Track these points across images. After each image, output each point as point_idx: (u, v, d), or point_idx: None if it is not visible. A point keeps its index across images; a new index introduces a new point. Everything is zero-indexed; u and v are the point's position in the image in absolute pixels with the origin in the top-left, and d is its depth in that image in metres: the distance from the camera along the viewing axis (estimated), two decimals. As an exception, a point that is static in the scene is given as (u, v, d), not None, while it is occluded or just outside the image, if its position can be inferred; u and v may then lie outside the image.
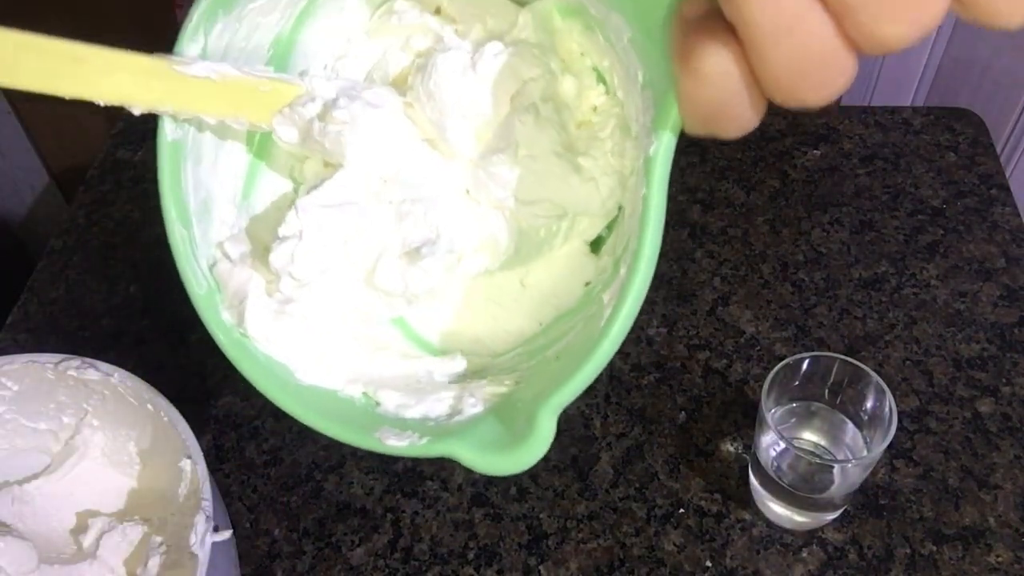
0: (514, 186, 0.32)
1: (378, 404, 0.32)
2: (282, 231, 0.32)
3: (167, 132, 0.31)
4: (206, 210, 0.33)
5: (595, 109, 0.35)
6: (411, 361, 0.34)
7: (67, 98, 0.28)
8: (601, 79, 0.34)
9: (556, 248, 0.35)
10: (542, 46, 0.34)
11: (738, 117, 0.21)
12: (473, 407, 0.30)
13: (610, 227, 0.35)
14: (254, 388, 0.31)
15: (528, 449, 0.26)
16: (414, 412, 0.31)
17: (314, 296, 0.33)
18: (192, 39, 0.31)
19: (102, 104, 0.29)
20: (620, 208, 0.34)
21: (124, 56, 0.29)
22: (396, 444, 0.28)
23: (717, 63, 0.21)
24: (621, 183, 0.34)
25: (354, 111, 0.32)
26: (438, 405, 0.31)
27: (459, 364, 0.33)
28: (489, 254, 0.34)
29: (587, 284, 0.34)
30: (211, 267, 0.33)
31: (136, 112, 0.30)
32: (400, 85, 0.35)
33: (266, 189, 0.36)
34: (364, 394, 0.32)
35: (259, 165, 0.35)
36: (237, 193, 0.35)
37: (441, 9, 0.35)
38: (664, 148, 0.25)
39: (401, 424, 0.30)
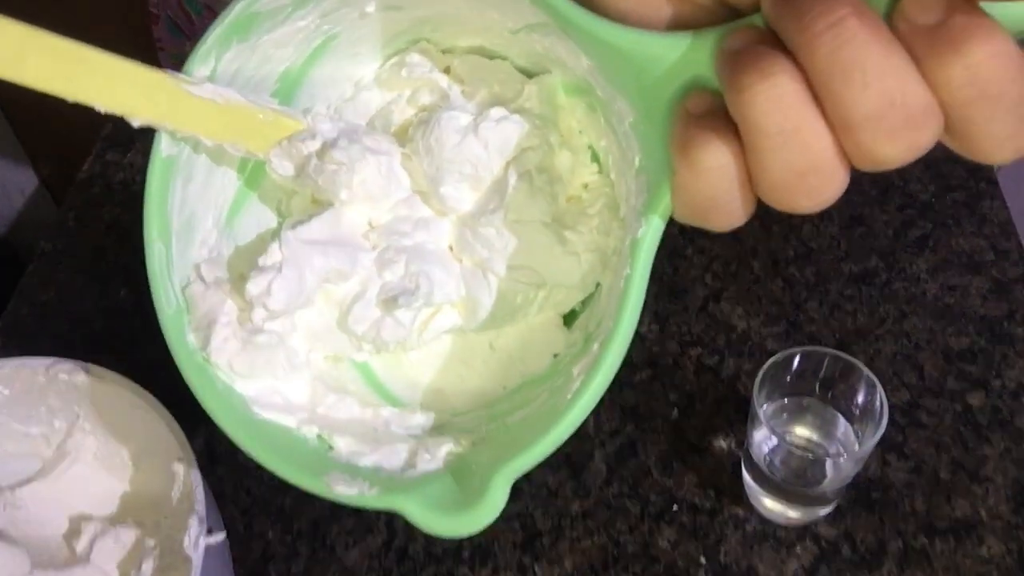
0: (499, 248, 0.33)
1: (331, 448, 0.31)
2: (262, 261, 0.32)
3: (163, 147, 0.31)
4: (188, 229, 0.33)
5: (586, 186, 0.35)
6: (369, 409, 0.33)
7: (68, 100, 0.28)
8: (595, 158, 0.35)
9: (530, 316, 0.35)
10: (544, 118, 0.34)
11: (728, 213, 0.22)
12: (428, 463, 0.30)
13: (584, 303, 0.35)
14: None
15: (477, 514, 0.26)
16: (367, 460, 0.30)
17: (283, 330, 0.32)
18: (203, 61, 0.31)
19: (102, 111, 0.29)
20: (598, 286, 0.34)
21: (132, 66, 0.29)
22: (345, 491, 0.28)
23: (715, 158, 0.21)
24: (603, 261, 0.34)
25: (353, 153, 0.32)
26: (393, 457, 0.30)
27: (419, 419, 0.33)
28: (466, 313, 0.34)
29: (555, 355, 0.35)
30: (184, 287, 0.32)
31: (135, 124, 0.30)
32: (400, 136, 0.35)
33: (251, 218, 0.35)
34: (319, 436, 0.32)
35: (248, 194, 0.35)
36: (222, 217, 0.34)
37: (451, 69, 0.36)
38: (652, 232, 0.26)
39: (352, 471, 0.29)
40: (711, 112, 0.22)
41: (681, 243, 0.64)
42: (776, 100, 0.20)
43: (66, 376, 0.46)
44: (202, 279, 0.33)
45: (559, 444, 0.26)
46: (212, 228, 0.34)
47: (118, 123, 0.83)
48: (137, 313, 0.63)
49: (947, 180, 0.67)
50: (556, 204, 0.34)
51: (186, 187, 0.32)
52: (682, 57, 0.23)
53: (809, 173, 0.20)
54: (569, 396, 0.27)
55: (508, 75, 0.35)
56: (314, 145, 0.32)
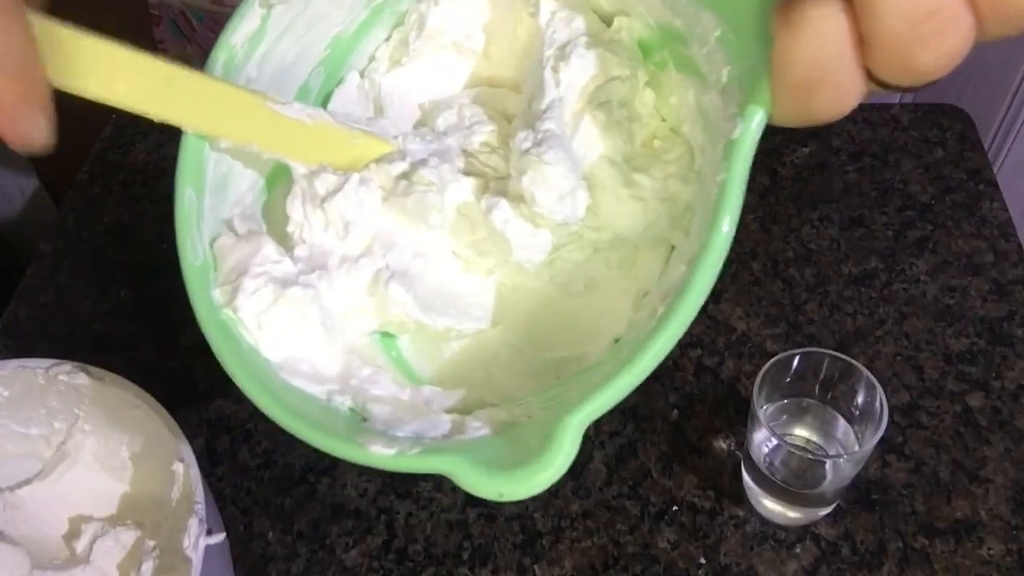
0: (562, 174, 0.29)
1: (365, 420, 0.29)
2: (320, 186, 0.30)
3: None
4: (223, 186, 0.31)
5: (654, 138, 0.33)
6: (408, 388, 0.31)
7: (156, 121, 0.27)
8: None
9: (595, 280, 0.32)
10: (633, 52, 0.32)
11: (837, 87, 0.19)
12: (478, 430, 0.27)
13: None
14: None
15: (544, 465, 0.22)
16: (406, 430, 0.27)
17: (319, 286, 0.30)
18: (252, 6, 0.30)
19: (189, 132, 0.28)
20: (668, 260, 0.31)
21: (220, 85, 0.28)
22: (382, 451, 0.25)
23: (816, 15, 0.19)
24: (672, 216, 0.31)
25: (444, 174, 0.31)
26: (437, 426, 0.27)
27: (463, 396, 0.30)
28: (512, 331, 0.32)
29: (617, 340, 0.31)
30: (212, 241, 0.30)
31: (222, 145, 0.29)
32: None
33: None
34: (351, 409, 0.29)
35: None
36: (260, 181, 0.32)
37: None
38: (751, 131, 0.23)
39: (389, 438, 0.26)
40: None
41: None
42: None
43: (66, 377, 0.46)
44: (234, 231, 0.30)
45: (639, 381, 0.23)
46: (248, 190, 0.32)
47: (118, 124, 0.83)
48: (137, 314, 0.63)
49: (947, 182, 0.67)
50: (631, 145, 0.32)
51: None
52: None
53: (929, 18, 0.18)
54: (653, 323, 0.23)
55: (591, 16, 0.33)
56: (403, 166, 0.31)
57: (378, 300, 0.31)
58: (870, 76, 0.19)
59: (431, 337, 0.33)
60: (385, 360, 0.32)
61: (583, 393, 0.23)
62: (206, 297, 0.29)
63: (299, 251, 0.31)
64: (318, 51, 0.34)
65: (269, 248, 0.30)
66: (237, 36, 0.31)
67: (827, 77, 0.19)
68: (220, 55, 0.30)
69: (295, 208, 0.31)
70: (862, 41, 0.19)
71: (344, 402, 0.29)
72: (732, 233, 0.23)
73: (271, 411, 0.26)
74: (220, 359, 0.27)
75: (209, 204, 0.30)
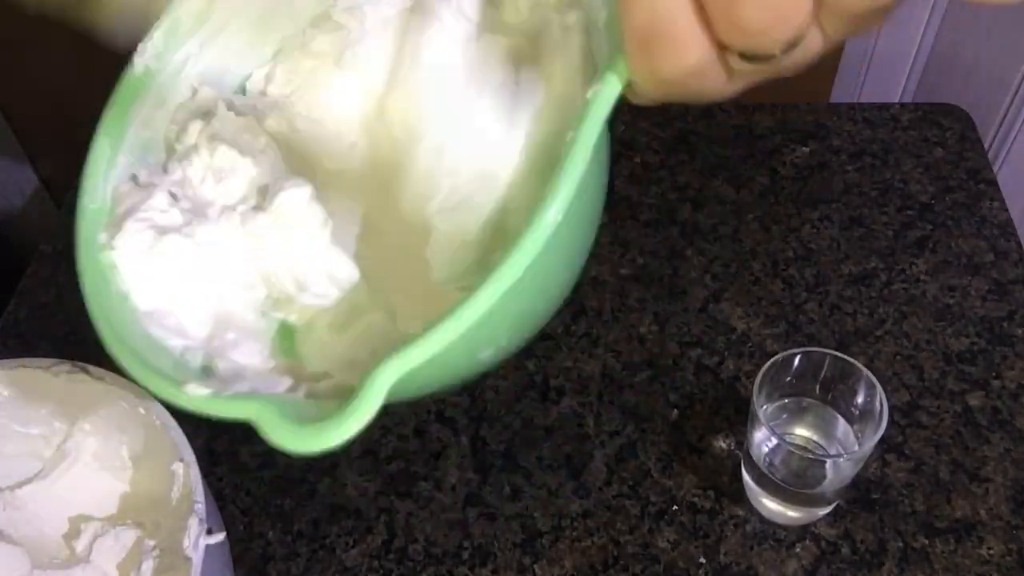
0: None
1: (212, 372, 0.29)
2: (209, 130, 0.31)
3: (137, 64, 0.30)
4: (142, 149, 0.31)
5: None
6: (269, 360, 0.31)
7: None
8: None
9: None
10: None
11: (673, 39, 0.20)
12: (308, 392, 0.27)
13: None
14: None
15: (344, 416, 0.21)
16: (244, 386, 0.27)
17: (200, 238, 0.30)
18: None
19: None
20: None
21: None
22: (196, 391, 0.25)
23: None
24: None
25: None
26: (271, 386, 0.28)
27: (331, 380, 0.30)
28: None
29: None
30: (114, 188, 0.31)
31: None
32: None
33: None
34: (203, 366, 0.29)
35: None
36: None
37: None
38: (604, 92, 0.22)
39: (208, 383, 0.26)
40: None
41: (681, 244, 0.64)
42: None
43: (66, 377, 0.46)
44: (135, 181, 0.31)
45: (457, 333, 0.22)
46: (163, 162, 0.32)
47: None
48: (137, 314, 0.63)
49: (946, 181, 0.67)
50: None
51: (156, 110, 0.31)
52: None
53: None
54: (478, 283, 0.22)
55: None
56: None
57: (262, 273, 0.31)
58: (724, 46, 0.20)
59: (327, 328, 0.32)
60: (266, 335, 0.32)
61: (394, 351, 0.22)
62: (91, 238, 0.30)
63: (183, 204, 0.31)
64: (264, 54, 0.34)
65: (160, 197, 0.31)
66: (185, 7, 0.31)
67: (663, 26, 0.19)
68: (165, 21, 0.31)
69: (179, 165, 0.32)
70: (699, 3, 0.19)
71: (196, 358, 0.29)
72: (559, 219, 0.22)
73: (111, 348, 0.27)
74: (84, 294, 0.28)
75: (125, 160, 0.31)
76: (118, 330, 0.28)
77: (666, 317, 0.60)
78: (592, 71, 0.27)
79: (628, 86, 0.22)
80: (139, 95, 0.31)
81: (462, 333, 0.22)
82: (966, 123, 0.71)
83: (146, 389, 0.26)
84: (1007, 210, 0.65)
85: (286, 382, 0.28)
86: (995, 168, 0.71)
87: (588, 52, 0.28)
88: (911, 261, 0.62)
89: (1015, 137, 1.04)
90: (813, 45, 0.20)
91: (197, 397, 0.25)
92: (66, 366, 0.46)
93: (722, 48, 0.20)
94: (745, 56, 0.20)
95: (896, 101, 0.75)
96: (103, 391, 0.46)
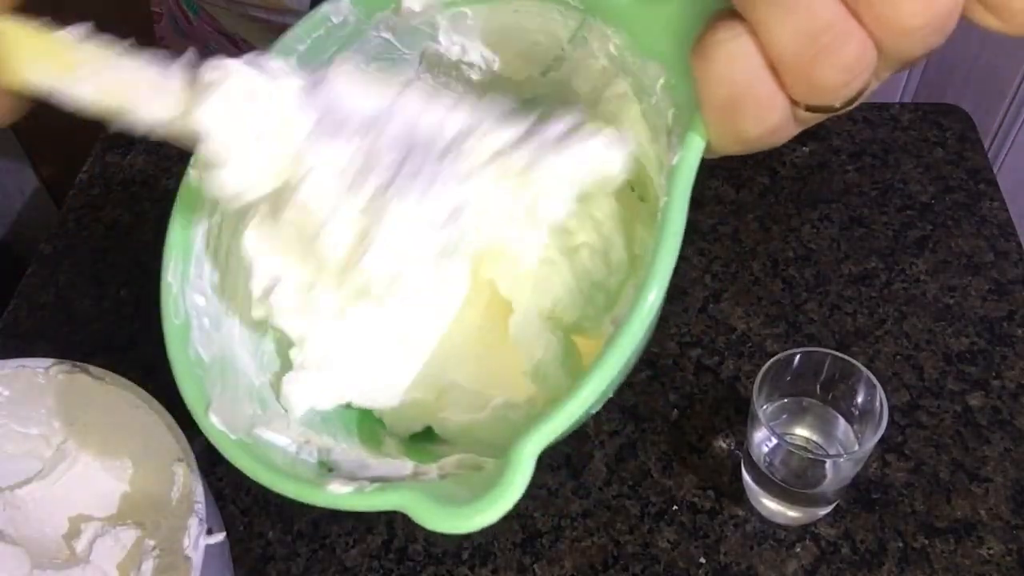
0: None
1: (331, 470, 0.29)
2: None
3: (192, 175, 0.30)
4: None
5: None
6: (366, 456, 0.31)
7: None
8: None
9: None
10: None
11: (755, 102, 0.21)
12: (436, 471, 0.28)
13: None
14: None
15: (500, 492, 0.22)
16: (370, 472, 0.28)
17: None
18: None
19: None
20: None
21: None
22: (340, 489, 0.25)
23: (724, 37, 0.20)
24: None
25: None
26: (399, 469, 0.28)
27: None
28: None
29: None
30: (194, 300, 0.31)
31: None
32: None
33: None
34: (320, 461, 0.30)
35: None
36: None
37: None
38: (688, 156, 0.23)
39: (348, 480, 0.26)
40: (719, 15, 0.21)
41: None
42: None
43: (66, 377, 0.46)
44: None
45: (595, 397, 0.23)
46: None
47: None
48: (137, 314, 0.63)
49: (946, 181, 0.67)
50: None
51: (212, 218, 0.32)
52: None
53: (822, 33, 0.19)
54: (603, 345, 0.23)
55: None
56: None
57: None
58: (795, 102, 0.21)
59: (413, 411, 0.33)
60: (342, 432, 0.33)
61: (533, 423, 0.23)
62: (183, 353, 0.29)
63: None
64: None
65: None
66: None
67: (744, 93, 0.21)
68: None
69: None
70: (771, 62, 0.20)
71: (311, 453, 0.30)
72: (675, 256, 0.24)
73: (238, 462, 0.27)
74: (196, 417, 0.28)
75: (195, 271, 0.31)
76: (242, 440, 0.28)
77: (666, 317, 0.60)
78: (652, 131, 0.28)
79: (708, 146, 0.23)
80: (198, 204, 0.31)
81: (597, 397, 0.23)
82: (966, 123, 0.71)
83: (286, 493, 0.26)
84: (1007, 210, 0.65)
85: (408, 465, 0.28)
86: (995, 168, 0.71)
87: (645, 115, 0.29)
88: (911, 261, 0.62)
89: (1015, 137, 1.04)
90: (870, 88, 0.21)
91: (342, 496, 0.25)
92: (66, 366, 0.46)
93: (793, 103, 0.21)
94: (810, 108, 0.21)
95: (896, 101, 0.75)
96: (103, 391, 0.46)
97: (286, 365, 0.32)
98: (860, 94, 0.21)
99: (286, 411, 0.31)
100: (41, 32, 0.26)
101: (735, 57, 0.20)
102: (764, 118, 0.21)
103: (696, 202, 0.74)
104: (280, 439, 0.29)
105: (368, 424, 0.33)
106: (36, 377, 0.46)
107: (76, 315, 0.64)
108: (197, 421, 0.28)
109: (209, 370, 0.30)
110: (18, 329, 0.63)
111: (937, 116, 0.71)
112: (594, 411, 0.26)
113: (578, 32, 0.29)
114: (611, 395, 0.27)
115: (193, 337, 0.30)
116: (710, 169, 0.69)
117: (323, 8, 0.31)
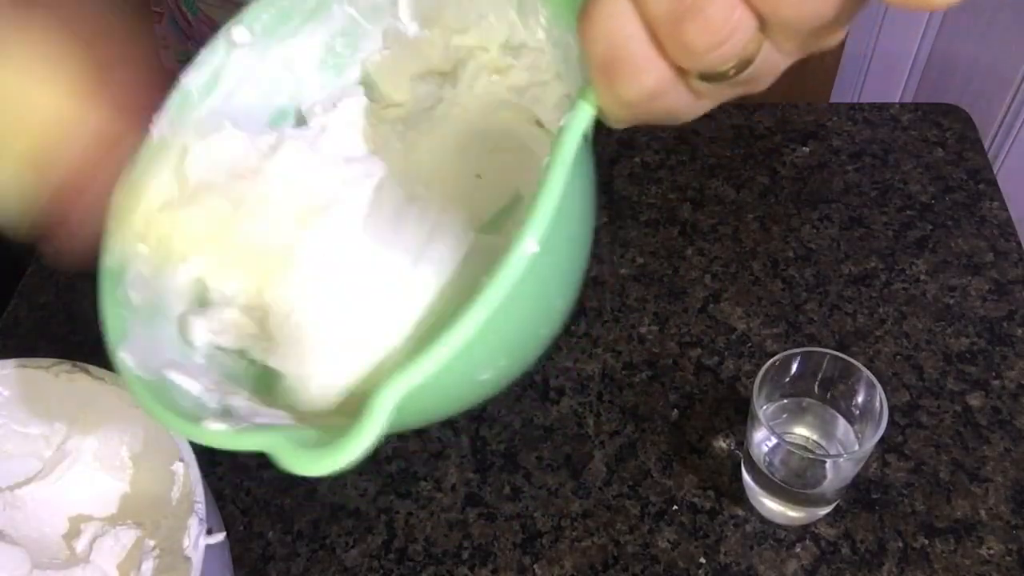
0: None
1: (231, 416, 0.31)
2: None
3: (154, 135, 0.32)
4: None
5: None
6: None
7: None
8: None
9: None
10: None
11: (631, 62, 0.21)
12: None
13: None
14: None
15: (352, 436, 0.22)
16: (261, 419, 0.29)
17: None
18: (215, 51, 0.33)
19: None
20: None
21: None
22: (214, 428, 0.27)
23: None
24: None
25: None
26: (284, 419, 0.30)
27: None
28: None
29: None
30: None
31: None
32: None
33: None
34: (222, 407, 0.31)
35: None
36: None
37: None
38: (576, 119, 0.23)
39: (225, 420, 0.28)
40: None
41: (681, 244, 0.64)
42: None
43: (66, 377, 0.46)
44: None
45: (452, 353, 0.23)
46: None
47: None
48: (137, 314, 0.63)
49: (946, 181, 0.67)
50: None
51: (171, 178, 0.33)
52: None
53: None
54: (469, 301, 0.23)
55: None
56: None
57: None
58: (682, 69, 0.21)
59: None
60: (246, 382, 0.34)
61: (391, 373, 0.24)
62: (111, 294, 0.31)
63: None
64: (278, 101, 0.36)
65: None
66: (193, 79, 0.34)
67: (620, 51, 0.21)
68: (176, 96, 0.33)
69: None
70: (650, 25, 0.20)
71: (216, 400, 0.31)
72: (535, 248, 0.23)
73: (135, 391, 0.29)
74: (108, 350, 0.30)
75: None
76: (150, 380, 0.30)
77: (666, 317, 0.60)
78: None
79: (600, 112, 0.23)
80: (157, 160, 0.32)
81: (455, 355, 0.23)
82: (966, 123, 0.71)
83: (167, 426, 0.28)
84: (1007, 210, 0.65)
85: (290, 417, 0.30)
86: (995, 168, 0.71)
87: (566, 94, 0.30)
88: (911, 261, 0.62)
89: (1015, 137, 1.04)
90: (772, 61, 0.21)
91: (214, 432, 0.27)
92: (66, 366, 0.46)
93: (681, 71, 0.21)
94: (703, 76, 0.21)
95: (896, 101, 0.75)
96: (103, 391, 0.46)
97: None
98: (748, 62, 0.20)
99: (189, 343, 0.33)
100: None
101: (612, 16, 0.21)
102: (640, 78, 0.21)
103: (696, 202, 0.74)
104: (190, 383, 0.31)
105: (267, 377, 0.34)
106: (36, 377, 0.46)
107: (76, 315, 0.64)
108: (108, 354, 0.30)
109: (137, 312, 0.31)
110: (18, 329, 0.63)
111: (937, 116, 0.71)
112: (486, 377, 0.27)
113: (519, 5, 0.31)
114: (508, 365, 0.27)
115: (127, 279, 0.31)
116: (710, 169, 0.69)
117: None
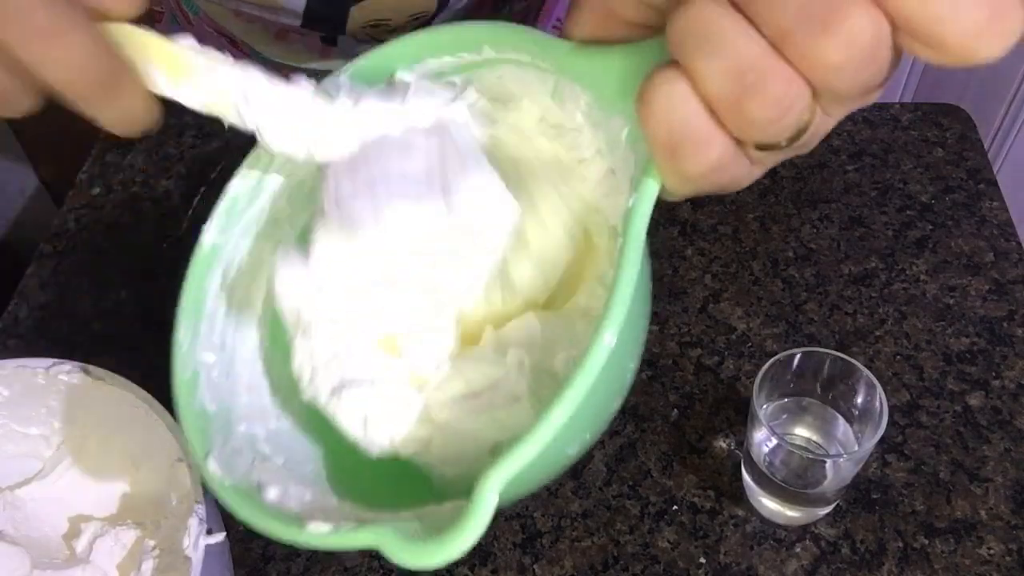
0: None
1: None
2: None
3: (204, 243, 0.33)
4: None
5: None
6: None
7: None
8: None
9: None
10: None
11: (696, 141, 0.22)
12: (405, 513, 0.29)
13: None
14: None
15: (463, 528, 0.23)
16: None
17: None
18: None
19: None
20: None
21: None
22: (319, 529, 0.27)
23: (660, 81, 0.22)
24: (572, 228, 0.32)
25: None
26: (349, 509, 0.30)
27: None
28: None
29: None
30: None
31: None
32: None
33: None
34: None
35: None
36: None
37: None
38: (647, 193, 0.24)
39: (326, 519, 0.28)
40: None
41: (681, 244, 0.64)
42: (699, 12, 0.20)
43: (66, 377, 0.46)
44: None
45: (554, 434, 0.23)
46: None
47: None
48: (137, 314, 0.63)
49: (946, 181, 0.67)
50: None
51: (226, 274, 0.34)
52: (656, 51, 0.24)
53: (746, 72, 0.20)
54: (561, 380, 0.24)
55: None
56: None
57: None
58: (740, 140, 0.22)
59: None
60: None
61: (494, 462, 0.24)
62: (190, 407, 0.32)
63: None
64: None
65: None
66: (239, 186, 0.34)
67: (682, 131, 0.22)
68: (224, 201, 0.33)
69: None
70: (706, 101, 0.21)
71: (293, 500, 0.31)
72: (614, 342, 0.24)
73: (226, 499, 0.29)
74: (196, 463, 0.30)
75: (206, 327, 0.34)
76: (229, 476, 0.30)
77: (666, 317, 0.60)
78: (615, 183, 0.30)
79: (662, 188, 0.24)
80: (210, 268, 0.33)
81: (554, 436, 0.23)
82: (966, 123, 0.71)
83: (269, 533, 0.27)
84: (1007, 210, 0.65)
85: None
86: (995, 168, 0.71)
87: (611, 169, 0.30)
88: (911, 261, 0.62)
89: (1015, 137, 1.04)
90: (823, 126, 0.23)
91: (322, 534, 0.26)
92: (66, 366, 0.46)
93: (739, 142, 0.22)
94: (759, 146, 0.22)
95: (896, 101, 0.75)
96: (103, 391, 0.46)
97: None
98: (803, 130, 0.22)
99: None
100: (163, 40, 0.27)
101: (671, 98, 0.22)
102: (704, 154, 0.22)
103: (696, 202, 0.74)
104: (270, 486, 0.31)
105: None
106: (36, 377, 0.46)
107: (76, 315, 0.64)
108: (198, 467, 0.30)
109: (213, 420, 0.32)
110: (18, 329, 0.63)
111: (937, 116, 0.71)
112: (573, 452, 0.28)
113: (555, 91, 0.31)
114: (591, 438, 0.29)
115: (200, 391, 0.32)
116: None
117: (323, 84, 0.32)
